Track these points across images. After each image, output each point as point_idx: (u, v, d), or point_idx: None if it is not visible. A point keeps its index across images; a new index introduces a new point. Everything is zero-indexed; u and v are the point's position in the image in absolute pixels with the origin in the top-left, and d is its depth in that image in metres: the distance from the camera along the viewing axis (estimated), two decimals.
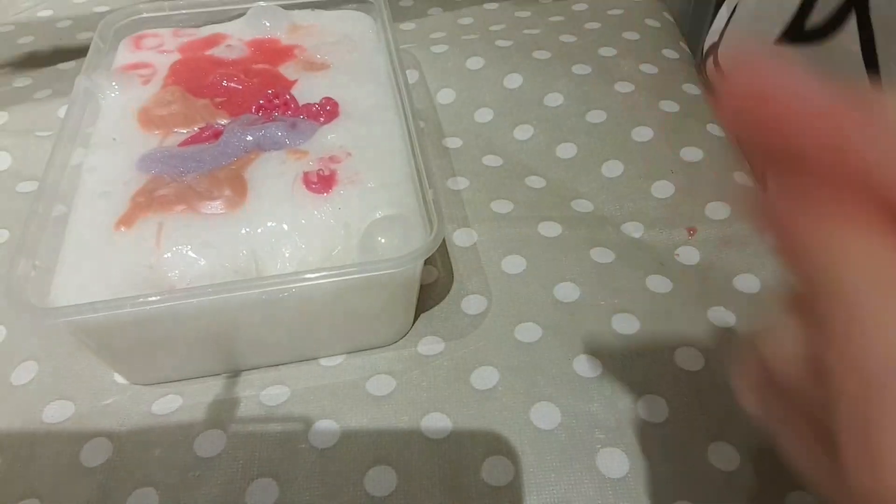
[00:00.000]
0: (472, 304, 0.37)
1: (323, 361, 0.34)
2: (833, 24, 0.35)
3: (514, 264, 0.38)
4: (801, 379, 0.16)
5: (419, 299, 0.35)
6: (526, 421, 0.32)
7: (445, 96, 0.49)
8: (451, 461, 0.31)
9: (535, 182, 0.43)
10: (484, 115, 0.48)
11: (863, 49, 0.33)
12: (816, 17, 0.35)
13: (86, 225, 0.32)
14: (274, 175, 0.34)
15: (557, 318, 0.36)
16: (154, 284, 0.30)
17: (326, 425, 0.32)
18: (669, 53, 0.51)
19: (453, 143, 0.46)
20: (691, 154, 0.44)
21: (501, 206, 0.42)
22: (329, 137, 0.36)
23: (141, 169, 0.34)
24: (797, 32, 0.37)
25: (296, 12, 0.44)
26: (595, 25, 0.54)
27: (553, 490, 0.30)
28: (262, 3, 0.44)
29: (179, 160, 0.34)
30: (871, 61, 0.33)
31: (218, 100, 0.38)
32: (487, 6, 0.57)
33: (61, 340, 0.35)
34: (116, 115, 0.38)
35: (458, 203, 0.42)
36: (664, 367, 0.34)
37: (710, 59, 0.47)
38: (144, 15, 0.43)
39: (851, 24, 0.33)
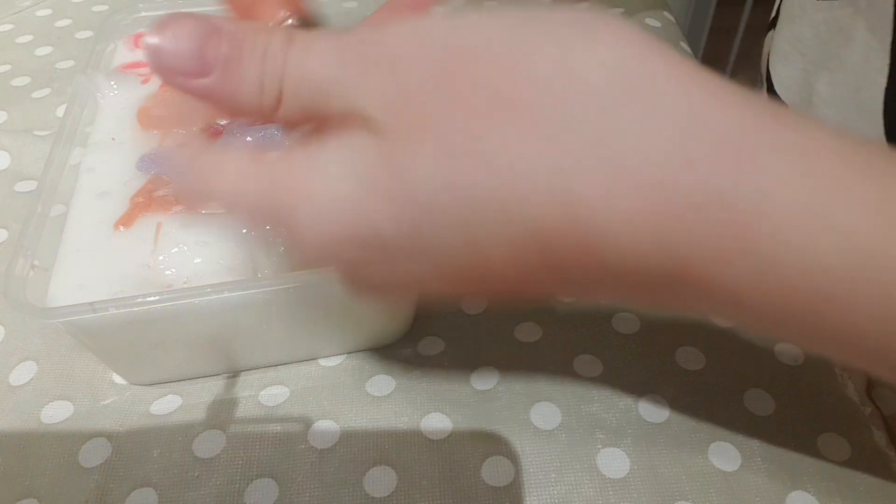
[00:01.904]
0: (472, 303, 0.36)
1: (322, 361, 0.34)
2: None
3: None
4: None
5: (419, 299, 0.35)
6: (526, 421, 0.32)
7: None
8: (451, 461, 0.30)
9: None
10: None
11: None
12: None
13: (84, 225, 0.32)
14: None
15: (557, 317, 0.36)
16: (152, 284, 0.30)
17: (326, 425, 0.32)
18: None
19: None
20: None
21: None
22: None
23: (141, 169, 0.34)
24: None
25: None
26: None
27: (553, 490, 0.30)
28: None
29: None
30: None
31: None
32: (487, 4, 0.57)
33: (60, 340, 0.35)
34: (115, 114, 0.37)
35: None
36: (664, 367, 0.34)
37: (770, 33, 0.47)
38: (144, 14, 0.43)
39: None
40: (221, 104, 0.20)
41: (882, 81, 0.34)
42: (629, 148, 0.16)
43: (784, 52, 0.44)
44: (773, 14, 0.48)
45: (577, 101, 0.16)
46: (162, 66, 0.19)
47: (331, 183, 0.18)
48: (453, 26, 0.18)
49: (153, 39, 0.19)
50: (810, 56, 0.42)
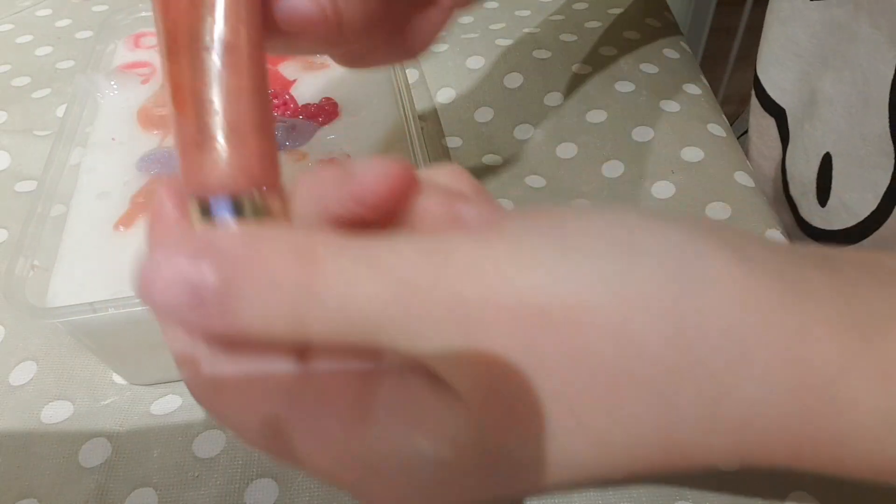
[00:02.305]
0: None
1: None
2: None
3: None
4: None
5: None
6: None
7: (445, 96, 0.49)
8: None
9: (536, 182, 0.43)
10: (484, 115, 0.47)
11: None
12: None
13: (85, 225, 0.32)
14: None
15: None
16: None
17: None
18: (670, 53, 0.51)
19: (453, 142, 0.46)
20: (692, 154, 0.44)
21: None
22: (329, 138, 0.36)
23: (141, 169, 0.34)
24: None
25: None
26: (595, 24, 0.54)
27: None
28: None
29: None
30: None
31: None
32: (488, 5, 0.57)
33: (60, 341, 0.35)
34: (116, 114, 0.37)
35: None
36: None
37: None
38: (144, 14, 0.43)
39: None
40: (222, 338, 0.16)
41: (889, 74, 0.34)
42: (733, 400, 0.16)
43: (775, 55, 0.44)
44: None
45: (685, 364, 0.15)
46: (150, 302, 0.15)
47: (415, 469, 0.16)
48: (534, 279, 0.15)
49: (141, 272, 0.15)
50: (808, 57, 0.42)
